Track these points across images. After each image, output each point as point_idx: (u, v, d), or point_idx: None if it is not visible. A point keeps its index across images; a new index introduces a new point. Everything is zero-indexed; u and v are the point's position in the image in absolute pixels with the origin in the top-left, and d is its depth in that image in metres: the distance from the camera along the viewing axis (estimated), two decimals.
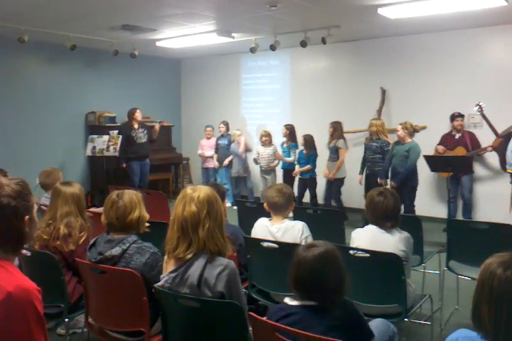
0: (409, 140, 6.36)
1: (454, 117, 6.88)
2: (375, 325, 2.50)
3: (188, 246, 2.34)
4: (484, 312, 1.54)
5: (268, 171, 8.27)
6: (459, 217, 6.89)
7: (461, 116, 6.86)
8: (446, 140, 6.94)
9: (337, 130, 7.25)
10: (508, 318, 1.51)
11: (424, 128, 7.52)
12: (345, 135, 7.40)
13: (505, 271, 1.54)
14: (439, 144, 6.96)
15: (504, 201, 6.31)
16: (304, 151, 7.56)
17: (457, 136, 6.88)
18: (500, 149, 6.42)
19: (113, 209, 2.73)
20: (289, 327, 1.90)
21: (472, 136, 6.83)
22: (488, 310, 1.53)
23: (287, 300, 2.09)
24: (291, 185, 7.58)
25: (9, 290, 1.46)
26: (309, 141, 7.52)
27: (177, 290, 2.36)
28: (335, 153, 7.25)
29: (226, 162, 8.77)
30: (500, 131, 6.51)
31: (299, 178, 7.68)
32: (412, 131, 6.38)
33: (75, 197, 3.33)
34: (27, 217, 1.61)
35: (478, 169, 7.13)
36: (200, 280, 2.31)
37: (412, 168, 6.23)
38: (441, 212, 6.87)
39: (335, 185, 7.28)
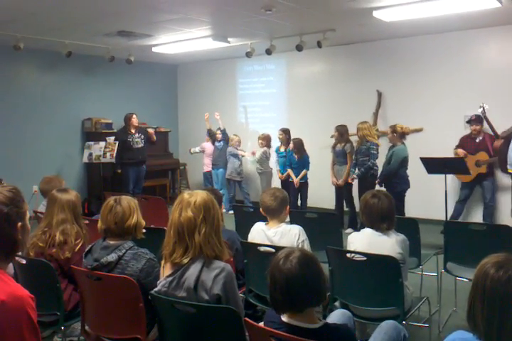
0: (398, 143, 6.38)
1: (470, 121, 6.68)
2: (386, 329, 2.49)
3: (184, 251, 2.35)
4: (478, 312, 1.55)
5: (260, 173, 8.30)
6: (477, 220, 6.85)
7: (479, 120, 6.58)
8: (466, 143, 6.77)
9: (343, 134, 7.20)
10: (500, 318, 1.51)
11: (420, 130, 7.55)
12: None
13: (497, 271, 1.54)
14: (457, 147, 6.81)
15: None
16: (296, 156, 7.55)
17: (478, 139, 6.68)
18: (501, 150, 6.38)
19: (111, 214, 2.72)
20: (284, 333, 1.89)
21: (493, 139, 6.61)
22: (481, 310, 1.53)
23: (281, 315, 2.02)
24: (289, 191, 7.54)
25: (2, 299, 1.45)
26: (300, 145, 7.52)
27: (174, 293, 2.36)
28: (343, 157, 7.21)
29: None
30: (497, 132, 6.51)
31: (293, 182, 7.63)
32: (402, 133, 6.39)
33: (71, 204, 3.31)
34: (19, 224, 1.61)
35: None
36: (197, 283, 2.32)
37: (392, 170, 6.31)
38: (439, 214, 6.84)
39: (346, 189, 7.25)
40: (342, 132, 7.19)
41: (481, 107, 6.37)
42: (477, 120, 6.63)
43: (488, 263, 1.58)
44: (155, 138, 8.57)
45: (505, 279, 1.54)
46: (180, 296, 2.34)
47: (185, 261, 2.34)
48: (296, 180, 7.53)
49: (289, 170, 7.67)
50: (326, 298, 2.02)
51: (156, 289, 2.42)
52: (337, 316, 2.55)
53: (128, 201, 2.80)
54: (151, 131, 8.51)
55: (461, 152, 6.71)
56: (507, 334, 1.52)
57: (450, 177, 6.67)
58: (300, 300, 1.92)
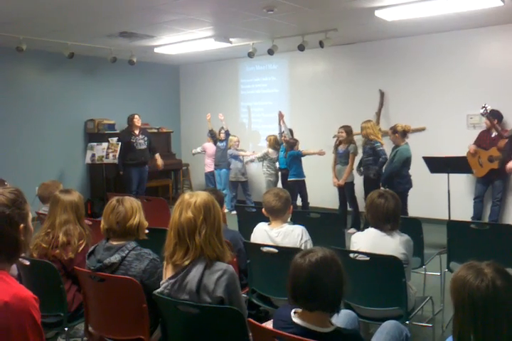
0: (402, 143, 6.36)
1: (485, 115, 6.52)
2: (388, 328, 2.49)
3: (185, 252, 2.34)
4: (468, 337, 1.52)
5: (267, 176, 8.30)
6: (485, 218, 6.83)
7: (494, 114, 6.49)
8: (483, 138, 6.71)
9: (349, 134, 7.15)
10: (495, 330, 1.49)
11: (422, 129, 7.54)
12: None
13: (481, 282, 1.53)
14: (475, 142, 6.73)
15: None
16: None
17: (493, 134, 6.59)
18: (505, 150, 6.35)
19: (113, 213, 2.73)
20: (288, 334, 1.88)
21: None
22: (475, 334, 1.51)
23: (292, 314, 2.01)
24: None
25: (6, 300, 1.46)
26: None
27: (176, 296, 2.35)
28: (346, 158, 7.15)
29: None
30: (501, 131, 6.49)
31: (294, 181, 7.60)
32: (403, 132, 6.36)
33: (74, 205, 3.32)
34: (22, 226, 1.61)
35: None
36: (199, 286, 2.30)
37: (394, 170, 6.28)
38: (442, 213, 6.84)
39: (347, 189, 7.21)
40: (347, 132, 7.15)
41: (483, 108, 6.31)
42: (491, 114, 6.51)
43: (467, 277, 1.57)
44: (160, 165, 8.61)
45: (491, 286, 1.54)
46: (183, 299, 2.33)
47: (187, 262, 2.33)
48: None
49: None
50: (338, 307, 2.00)
51: (158, 290, 2.41)
52: (342, 317, 2.54)
53: (131, 201, 2.80)
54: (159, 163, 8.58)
55: (471, 149, 6.64)
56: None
57: (457, 176, 6.65)
58: (320, 299, 1.92)
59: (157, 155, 8.56)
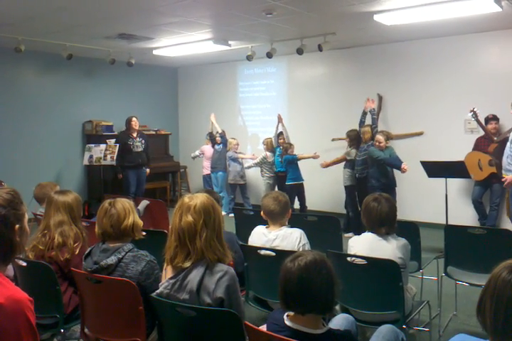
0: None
1: (487, 120, 6.61)
2: (384, 332, 2.49)
3: (186, 255, 2.35)
4: (487, 306, 1.61)
5: (266, 179, 8.31)
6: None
7: (496, 119, 6.60)
8: (481, 143, 6.74)
9: (352, 139, 7.13)
10: (505, 314, 1.56)
11: (420, 134, 7.55)
12: (339, 141, 7.36)
13: (509, 274, 1.59)
14: (474, 148, 6.77)
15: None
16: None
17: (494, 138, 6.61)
18: (495, 155, 6.37)
19: (107, 217, 2.73)
20: (283, 337, 1.88)
21: (506, 140, 6.62)
22: (490, 305, 1.59)
23: (285, 318, 2.01)
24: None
25: (0, 302, 1.45)
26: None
27: (176, 296, 2.35)
28: (349, 160, 7.18)
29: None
30: (492, 136, 6.51)
31: (292, 185, 7.59)
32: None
33: (67, 206, 3.28)
34: (17, 226, 1.60)
35: None
36: (200, 286, 2.31)
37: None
38: (440, 217, 6.84)
39: (346, 192, 7.22)
40: (352, 137, 7.14)
41: (471, 111, 6.33)
42: (494, 118, 6.58)
43: (503, 267, 1.64)
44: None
45: None
46: (183, 298, 2.33)
47: (188, 264, 2.34)
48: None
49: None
50: (331, 308, 2.00)
51: (158, 291, 2.41)
52: (340, 321, 2.53)
53: (122, 203, 2.80)
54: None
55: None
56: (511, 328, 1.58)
57: (455, 180, 6.65)
58: (310, 302, 1.92)
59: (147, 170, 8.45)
